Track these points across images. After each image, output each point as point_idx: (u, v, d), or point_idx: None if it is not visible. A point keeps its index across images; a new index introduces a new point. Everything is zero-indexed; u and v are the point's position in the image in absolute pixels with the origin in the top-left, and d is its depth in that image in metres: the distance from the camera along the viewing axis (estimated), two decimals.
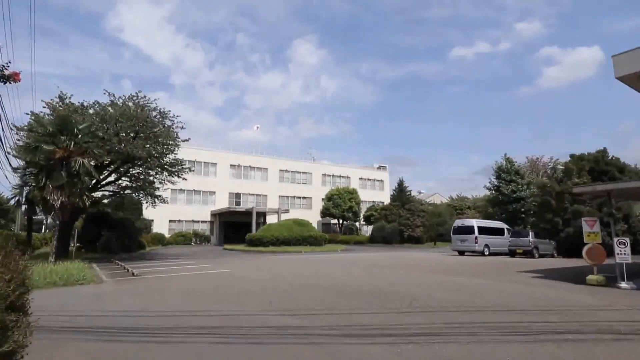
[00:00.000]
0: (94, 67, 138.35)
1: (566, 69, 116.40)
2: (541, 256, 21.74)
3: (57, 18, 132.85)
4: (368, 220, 51.86)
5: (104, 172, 20.35)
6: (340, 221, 51.86)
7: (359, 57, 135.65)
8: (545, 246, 22.59)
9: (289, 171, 52.66)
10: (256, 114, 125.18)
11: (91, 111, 17.79)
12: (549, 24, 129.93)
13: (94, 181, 19.25)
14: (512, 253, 22.34)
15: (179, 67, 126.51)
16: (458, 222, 25.12)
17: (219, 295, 8.56)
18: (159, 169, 20.99)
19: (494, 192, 32.62)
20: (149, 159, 18.57)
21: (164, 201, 27.41)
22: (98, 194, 25.44)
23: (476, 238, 22.63)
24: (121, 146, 17.10)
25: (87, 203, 14.69)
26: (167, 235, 40.91)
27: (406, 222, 42.35)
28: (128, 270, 13.23)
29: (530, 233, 21.92)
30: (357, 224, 53.06)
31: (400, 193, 75.17)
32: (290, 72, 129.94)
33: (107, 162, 19.45)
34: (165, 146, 19.59)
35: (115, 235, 24.63)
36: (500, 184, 31.07)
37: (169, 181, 25.50)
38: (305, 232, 34.08)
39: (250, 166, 49.39)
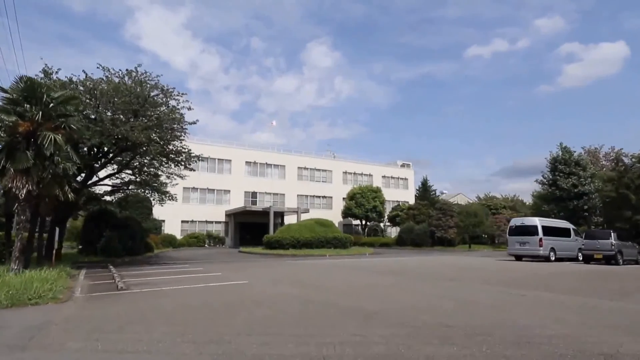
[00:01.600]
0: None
1: (589, 66, 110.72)
2: (625, 262, 17.90)
3: (78, 27, 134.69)
4: (393, 221, 48.23)
5: (99, 161, 17.39)
6: (363, 222, 48.36)
7: (373, 59, 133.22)
8: (630, 250, 18.69)
9: (307, 168, 49.45)
10: (271, 117, 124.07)
11: (82, 88, 14.87)
12: (570, 19, 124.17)
13: (83, 173, 16.41)
14: (587, 259, 18.44)
15: (196, 72, 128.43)
16: (516, 221, 21.31)
17: (229, 331, 5.32)
18: (163, 159, 17.98)
19: (548, 187, 28.49)
20: (148, 146, 15.54)
21: (172, 198, 24.50)
22: (99, 190, 22.65)
23: (541, 240, 18.86)
24: (115, 128, 14.10)
25: (70, 196, 11.61)
26: (179, 236, 38.14)
27: (438, 223, 38.61)
28: (115, 281, 10.15)
29: (612, 234, 17.95)
30: (381, 224, 49.45)
31: (425, 192, 71.53)
32: (304, 75, 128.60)
33: (100, 148, 16.57)
34: (170, 131, 16.57)
35: (118, 236, 21.77)
36: (557, 178, 27.01)
37: (177, 175, 22.58)
38: (328, 233, 30.78)
39: (266, 163, 46.35)
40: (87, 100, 14.40)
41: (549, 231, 19.52)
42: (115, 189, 22.35)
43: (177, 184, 24.24)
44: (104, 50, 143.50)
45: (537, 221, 19.78)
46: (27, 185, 9.59)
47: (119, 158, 19.66)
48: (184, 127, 17.01)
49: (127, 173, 20.98)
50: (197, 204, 41.24)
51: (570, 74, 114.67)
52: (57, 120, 10.42)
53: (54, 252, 12.26)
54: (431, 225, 39.03)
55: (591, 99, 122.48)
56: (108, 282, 10.45)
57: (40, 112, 9.80)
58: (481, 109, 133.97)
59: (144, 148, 15.88)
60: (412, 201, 55.77)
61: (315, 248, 29.43)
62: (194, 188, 41.07)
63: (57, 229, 12.17)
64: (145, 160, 19.68)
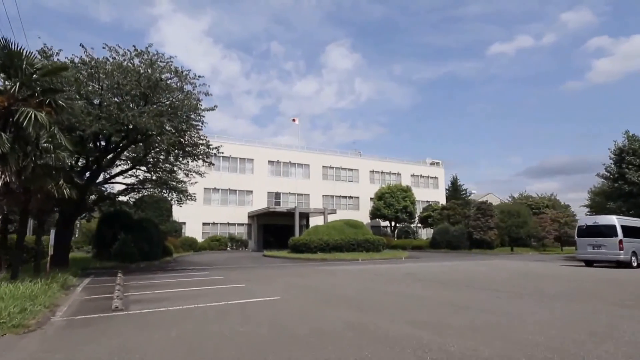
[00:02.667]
0: None
1: (620, 60, 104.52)
2: None
3: (104, 36, 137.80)
4: (424, 221, 45.30)
5: (107, 154, 15.46)
6: (392, 223, 45.60)
7: (394, 59, 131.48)
8: None
9: (333, 167, 47.07)
10: (290, 121, 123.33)
11: (84, 72, 12.92)
12: (599, 12, 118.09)
13: (88, 171, 14.51)
14: None
15: (217, 78, 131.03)
16: (587, 221, 18.25)
17: None
18: (179, 151, 15.94)
19: (613, 182, 25.05)
20: (160, 135, 13.50)
21: (191, 198, 22.58)
22: (111, 189, 20.93)
23: (621, 242, 15.86)
24: (121, 113, 12.09)
25: (67, 192, 9.61)
26: (200, 239, 36.37)
27: (476, 224, 35.52)
28: (114, 296, 8.02)
29: None
30: (412, 226, 46.56)
31: (455, 192, 68.14)
32: (323, 78, 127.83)
33: (109, 140, 14.66)
34: (185, 120, 14.50)
35: (133, 240, 19.92)
36: (625, 171, 23.63)
37: (196, 172, 20.61)
38: (359, 235, 28.31)
39: (290, 162, 44.22)
40: (89, 83, 12.44)
41: (629, 232, 16.46)
42: (129, 188, 20.53)
43: (196, 183, 22.31)
44: None
45: (615, 220, 16.69)
46: (3, 176, 7.61)
47: (132, 154, 17.81)
48: (201, 114, 14.91)
49: (141, 170, 19.11)
50: (219, 205, 39.44)
51: (600, 69, 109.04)
52: (41, 96, 8.43)
53: (49, 258, 10.28)
54: (469, 226, 35.98)
55: (623, 94, 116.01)
56: (106, 297, 8.34)
57: (18, 84, 7.82)
58: (505, 107, 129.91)
59: (158, 138, 13.85)
60: (442, 201, 52.68)
61: (345, 251, 27.02)
62: (215, 189, 39.31)
63: (53, 232, 10.34)
64: (161, 157, 17.75)
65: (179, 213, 34.53)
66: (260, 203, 40.46)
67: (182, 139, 15.22)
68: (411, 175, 53.05)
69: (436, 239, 37.83)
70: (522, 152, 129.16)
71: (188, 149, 16.10)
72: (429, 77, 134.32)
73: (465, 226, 37.31)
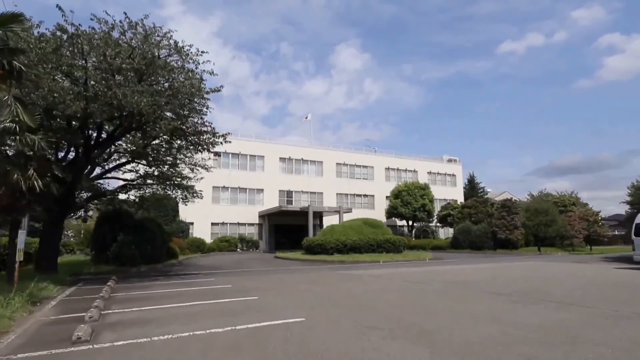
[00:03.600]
0: None
1: (632, 57, 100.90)
2: None
3: None
4: (444, 220, 42.95)
5: (97, 144, 13.54)
6: (410, 222, 43.33)
7: (404, 59, 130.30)
8: None
9: (347, 164, 44.95)
10: (300, 121, 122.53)
11: (66, 44, 10.99)
12: (611, 9, 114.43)
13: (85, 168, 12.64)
14: None
15: (227, 79, 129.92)
16: None
17: None
18: (182, 141, 14.01)
19: None
20: (155, 120, 11.59)
21: (197, 195, 20.69)
22: (108, 185, 19.13)
23: None
24: (108, 91, 10.16)
25: (38, 184, 7.71)
26: (208, 240, 34.54)
27: (501, 223, 33.12)
28: (86, 317, 6.07)
29: None
30: (431, 225, 44.25)
31: (472, 190, 65.54)
32: (333, 78, 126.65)
33: (99, 126, 12.81)
34: (187, 103, 12.57)
35: (134, 241, 18.10)
36: None
37: (202, 167, 18.75)
38: (378, 235, 26.18)
39: (302, 159, 42.22)
40: (69, 54, 10.53)
41: None
42: (129, 185, 18.72)
43: (202, 178, 20.39)
44: None
45: None
46: None
47: (131, 146, 15.93)
48: (205, 97, 12.96)
49: (142, 164, 17.26)
50: (228, 205, 37.59)
51: (611, 66, 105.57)
52: None
53: (16, 266, 8.39)
54: (492, 225, 33.57)
55: (635, 91, 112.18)
56: (79, 317, 6.40)
57: None
58: (516, 106, 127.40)
59: (157, 126, 11.94)
60: (460, 199, 50.28)
61: (364, 252, 24.93)
62: (224, 187, 37.49)
63: (21, 233, 8.55)
64: (162, 148, 15.83)
65: (186, 213, 32.80)
66: (271, 202, 38.55)
67: (183, 126, 13.30)
68: (428, 172, 50.70)
69: (458, 239, 35.52)
70: (533, 151, 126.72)
71: (191, 137, 14.14)
72: (440, 76, 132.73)
73: (488, 225, 34.95)
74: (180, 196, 20.49)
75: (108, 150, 15.23)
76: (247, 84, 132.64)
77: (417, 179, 46.33)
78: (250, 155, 39.47)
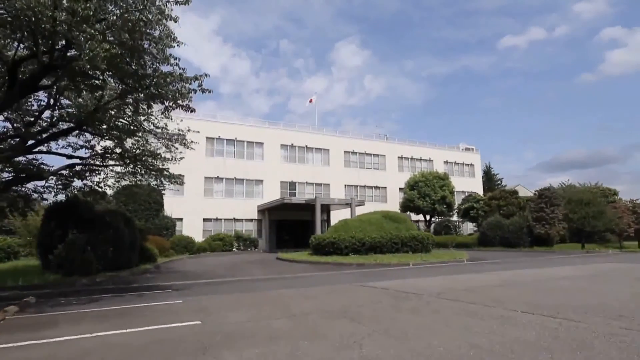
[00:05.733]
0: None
1: (634, 51, 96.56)
2: None
3: None
4: (465, 214, 38.23)
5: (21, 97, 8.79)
6: (427, 217, 38.64)
7: (405, 55, 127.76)
8: None
9: (356, 153, 40.25)
10: (301, 117, 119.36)
11: None
12: (613, 1, 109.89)
13: None
14: None
15: (227, 77, 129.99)
16: None
17: None
18: (138, 91, 9.23)
19: None
20: (91, 51, 6.92)
21: (176, 181, 16.10)
22: (52, 162, 14.43)
23: None
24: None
25: None
26: (199, 238, 29.90)
27: (540, 216, 28.44)
28: None
29: None
30: (453, 219, 39.59)
31: (489, 182, 60.77)
32: (333, 75, 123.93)
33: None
34: (143, 26, 7.90)
35: (89, 241, 13.52)
36: None
37: (181, 144, 14.25)
38: (402, 230, 21.54)
39: (306, 146, 37.51)
40: None
41: None
42: (83, 166, 14.09)
43: (182, 158, 15.70)
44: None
45: None
46: None
47: (76, 110, 11.23)
48: (166, 15, 8.27)
49: (92, 134, 12.61)
50: (223, 198, 32.91)
51: (613, 60, 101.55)
52: None
53: None
54: (533, 219, 28.86)
55: (638, 86, 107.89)
56: None
57: None
58: (518, 102, 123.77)
59: (82, 48, 7.24)
60: (479, 191, 45.66)
61: (386, 252, 20.33)
62: (218, 178, 32.83)
63: None
64: (113, 104, 11.10)
65: (173, 207, 28.23)
66: (272, 194, 33.88)
67: (136, 66, 8.61)
68: (444, 162, 45.98)
69: (486, 235, 30.81)
70: (536, 146, 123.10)
71: (154, 90, 9.37)
72: (443, 72, 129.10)
73: (522, 219, 30.31)
74: (154, 182, 15.88)
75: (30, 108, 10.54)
76: (247, 82, 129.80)
77: (432, 169, 41.62)
78: (247, 142, 34.76)
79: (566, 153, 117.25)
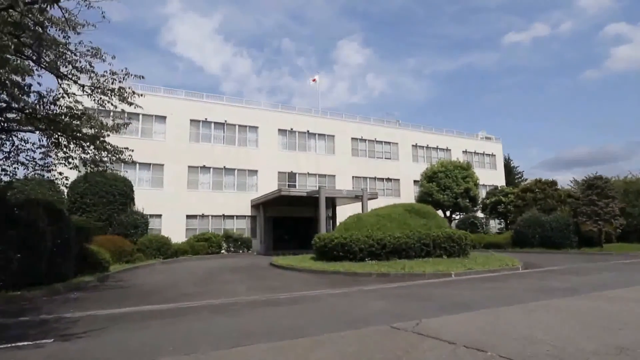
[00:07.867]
0: (151, 80, 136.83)
1: (639, 47, 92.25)
2: None
3: (116, 36, 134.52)
4: (493, 209, 33.24)
5: None
6: (448, 213, 33.69)
7: (408, 53, 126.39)
8: None
9: (365, 140, 35.34)
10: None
11: None
12: None
13: None
14: None
15: (229, 76, 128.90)
16: None
17: None
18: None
19: None
20: None
21: (119, 157, 11.29)
22: None
23: None
24: None
25: None
26: (183, 238, 25.13)
27: (591, 210, 23.49)
28: None
29: None
30: (480, 216, 34.60)
31: (509, 175, 55.71)
32: (335, 73, 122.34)
33: None
34: None
35: None
36: None
37: (122, 99, 9.52)
38: (433, 228, 16.64)
39: (308, 132, 32.64)
40: None
41: None
42: None
43: (128, 124, 10.83)
44: (142, 59, 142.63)
45: None
46: None
47: None
48: None
49: None
50: (209, 190, 28.09)
51: (618, 56, 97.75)
52: None
53: None
54: (582, 213, 23.90)
55: None
56: None
57: None
58: (522, 99, 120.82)
59: None
60: (502, 183, 40.71)
61: (414, 257, 15.44)
62: (204, 167, 28.02)
63: None
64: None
65: (149, 201, 23.50)
66: (268, 187, 29.00)
67: None
68: (463, 151, 41.04)
69: (523, 234, 25.85)
70: (539, 144, 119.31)
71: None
72: (446, 69, 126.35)
73: (566, 214, 25.40)
74: (88, 158, 11.06)
75: None
76: (249, 81, 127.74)
77: (450, 159, 36.67)
78: (239, 126, 29.91)
79: (570, 150, 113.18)
